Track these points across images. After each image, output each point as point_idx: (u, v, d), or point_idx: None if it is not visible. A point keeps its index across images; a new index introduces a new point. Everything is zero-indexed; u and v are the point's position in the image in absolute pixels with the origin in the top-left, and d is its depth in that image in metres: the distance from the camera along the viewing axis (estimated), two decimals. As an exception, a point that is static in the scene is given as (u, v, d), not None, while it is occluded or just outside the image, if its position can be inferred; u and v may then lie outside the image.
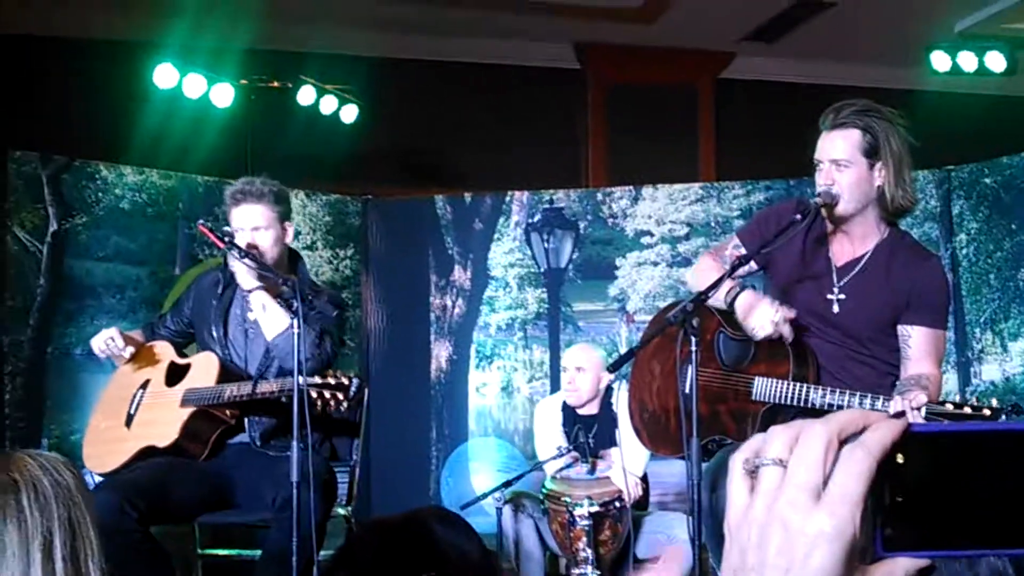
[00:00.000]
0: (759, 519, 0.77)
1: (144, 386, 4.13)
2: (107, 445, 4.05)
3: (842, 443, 0.76)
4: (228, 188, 4.12)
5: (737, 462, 0.81)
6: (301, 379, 3.52)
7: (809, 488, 0.74)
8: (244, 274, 3.90)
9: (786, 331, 3.29)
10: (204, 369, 3.99)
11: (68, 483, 1.70)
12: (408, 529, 1.79)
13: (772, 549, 0.75)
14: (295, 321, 3.54)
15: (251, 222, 3.98)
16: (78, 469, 1.80)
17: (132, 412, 4.10)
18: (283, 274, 3.86)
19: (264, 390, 3.74)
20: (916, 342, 3.34)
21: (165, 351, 4.18)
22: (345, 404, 3.61)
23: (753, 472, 0.79)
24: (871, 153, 3.30)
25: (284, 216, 4.07)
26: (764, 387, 3.37)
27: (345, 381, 3.58)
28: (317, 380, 3.57)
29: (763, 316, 3.28)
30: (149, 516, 3.68)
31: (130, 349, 4.05)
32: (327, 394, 3.56)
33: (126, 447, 3.98)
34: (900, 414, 3.09)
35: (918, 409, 2.96)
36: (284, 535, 3.66)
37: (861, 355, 3.40)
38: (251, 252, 3.87)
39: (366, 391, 3.65)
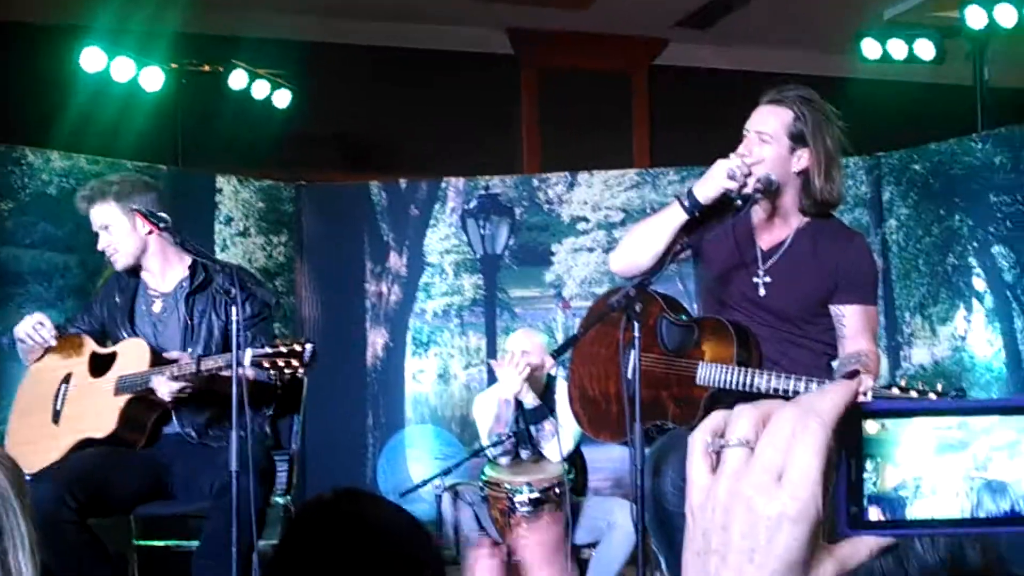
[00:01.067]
0: (723, 501, 0.76)
1: (67, 380, 4.05)
2: (35, 444, 3.96)
3: None
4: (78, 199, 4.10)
5: (697, 442, 0.80)
6: (241, 366, 3.48)
7: (774, 469, 0.74)
8: None
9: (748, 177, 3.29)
10: (134, 355, 3.92)
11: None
12: (342, 509, 1.77)
13: (736, 531, 0.75)
14: (234, 309, 3.48)
15: (97, 222, 4.01)
16: (14, 461, 1.74)
17: (59, 408, 4.02)
18: (216, 260, 3.81)
19: (209, 366, 3.67)
20: (850, 321, 3.39)
21: (84, 342, 4.10)
22: (301, 370, 3.55)
23: (717, 453, 0.79)
24: (796, 138, 3.35)
25: (135, 205, 3.96)
26: (709, 372, 3.38)
27: (297, 348, 3.52)
28: (268, 351, 3.52)
29: (717, 168, 3.31)
30: (88, 508, 3.63)
31: (54, 337, 3.98)
32: (280, 362, 3.51)
33: (59, 443, 3.90)
34: (852, 374, 3.13)
35: (864, 393, 2.99)
36: (222, 523, 3.62)
37: (795, 336, 3.44)
38: (186, 238, 3.80)
39: (314, 353, 3.59)
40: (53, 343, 3.99)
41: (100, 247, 4.04)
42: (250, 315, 3.89)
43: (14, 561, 1.62)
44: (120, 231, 4.00)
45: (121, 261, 4.04)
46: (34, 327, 3.96)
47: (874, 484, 0.76)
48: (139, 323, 4.06)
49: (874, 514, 0.76)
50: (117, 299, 4.10)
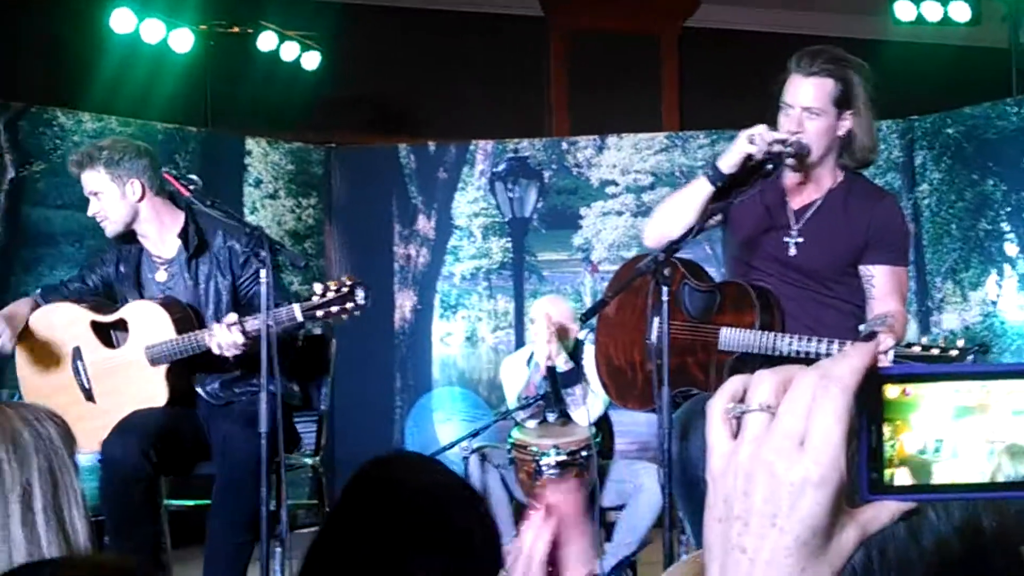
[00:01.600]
0: (744, 466, 0.76)
1: (78, 355, 3.95)
2: (76, 426, 3.91)
3: None
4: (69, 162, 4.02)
5: (716, 407, 0.80)
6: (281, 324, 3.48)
7: (796, 435, 0.74)
8: None
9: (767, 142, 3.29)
10: (151, 322, 3.83)
11: (50, 434, 1.68)
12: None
13: (758, 497, 0.75)
14: (263, 272, 3.47)
15: (88, 188, 3.91)
16: (64, 422, 1.77)
17: (87, 385, 3.93)
18: (248, 224, 3.80)
19: (252, 328, 3.59)
20: (879, 281, 3.39)
21: (73, 314, 3.96)
22: (358, 311, 3.53)
23: (737, 418, 0.79)
24: (841, 103, 3.34)
25: (126, 175, 3.89)
26: (731, 337, 3.38)
27: (345, 289, 3.49)
28: (318, 301, 3.49)
29: (740, 136, 3.31)
30: (163, 466, 3.64)
31: (8, 336, 3.82)
32: (334, 309, 3.48)
33: (106, 420, 3.77)
34: (870, 336, 3.12)
35: (884, 353, 2.98)
36: (224, 481, 3.66)
37: (824, 296, 3.43)
38: (215, 200, 3.79)
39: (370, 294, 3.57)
40: (10, 345, 3.83)
41: (90, 213, 3.94)
42: (255, 272, 3.78)
43: (69, 518, 1.65)
44: (110, 198, 3.88)
45: (111, 228, 3.92)
46: None
47: (894, 449, 0.76)
48: (147, 293, 3.96)
49: (894, 479, 0.76)
50: (122, 268, 3.99)
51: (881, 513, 0.77)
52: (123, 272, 4.00)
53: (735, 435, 0.78)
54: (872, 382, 0.76)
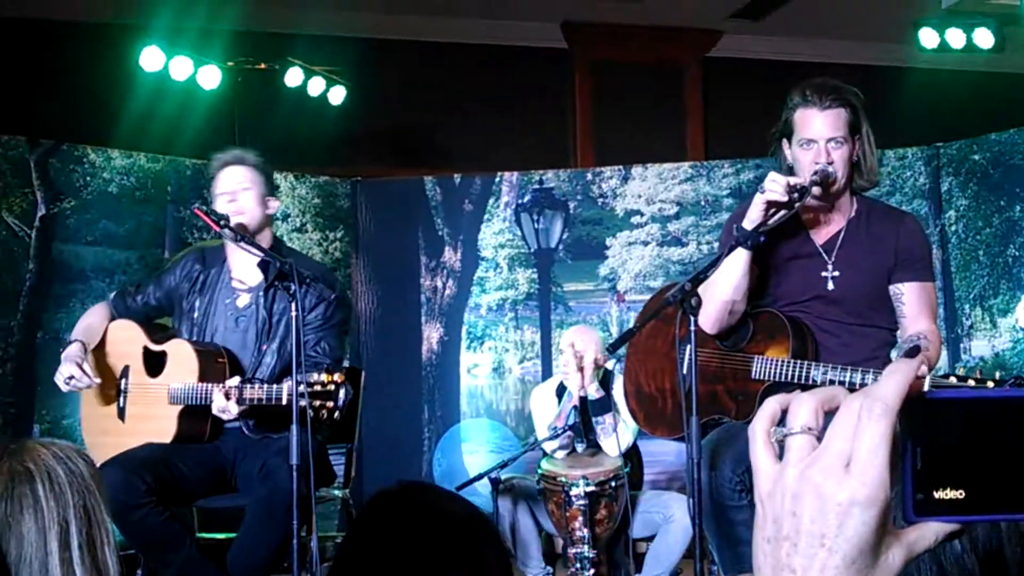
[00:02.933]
0: (792, 487, 0.77)
1: (125, 373, 4.09)
2: (104, 437, 4.03)
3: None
4: (215, 159, 4.13)
5: (758, 430, 0.81)
6: (295, 384, 3.52)
7: (843, 456, 0.75)
8: None
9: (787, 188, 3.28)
10: (182, 363, 3.93)
11: (82, 471, 1.70)
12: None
13: (806, 517, 0.76)
14: (293, 304, 3.52)
15: (234, 182, 4.03)
16: (90, 458, 1.79)
17: (122, 404, 4.08)
18: (279, 256, 3.84)
19: (251, 395, 3.72)
20: (909, 299, 3.43)
21: (133, 334, 4.11)
22: (337, 414, 3.57)
23: (780, 442, 0.80)
24: (853, 129, 3.41)
25: (268, 188, 4.09)
26: (764, 366, 3.38)
27: (331, 387, 3.53)
28: (304, 388, 3.52)
29: (757, 199, 3.30)
30: (160, 489, 3.68)
31: (94, 380, 3.93)
32: (316, 403, 3.53)
33: (124, 441, 3.94)
34: (913, 351, 3.13)
35: (922, 377, 2.98)
36: (257, 513, 3.69)
37: (860, 327, 3.44)
38: (246, 235, 3.84)
39: (349, 395, 3.61)
40: (95, 383, 3.95)
41: (226, 210, 3.96)
42: (322, 316, 3.94)
43: (102, 556, 1.66)
44: (250, 197, 4.03)
45: (244, 219, 3.99)
46: (65, 382, 3.92)
47: (940, 470, 0.77)
48: (218, 314, 4.05)
49: (939, 500, 0.77)
50: (200, 278, 4.09)
51: (927, 534, 0.77)
52: (200, 281, 4.09)
53: (779, 457, 0.80)
54: (917, 404, 0.77)
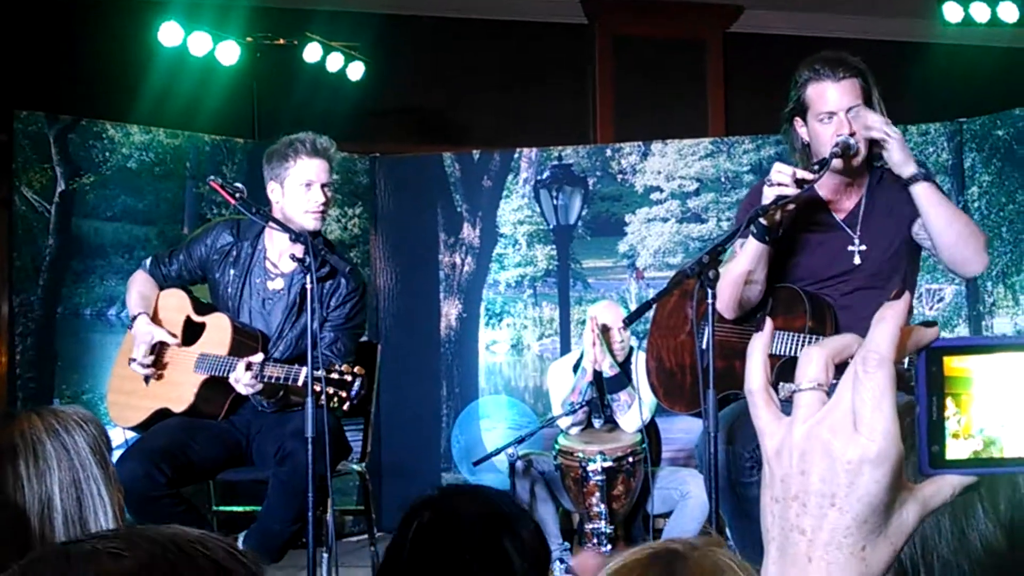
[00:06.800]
0: (799, 445, 0.75)
1: (163, 342, 4.11)
2: (127, 398, 4.07)
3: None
4: (295, 138, 4.08)
5: (754, 389, 0.80)
6: (309, 356, 3.53)
7: (851, 412, 0.73)
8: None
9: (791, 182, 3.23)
10: (218, 335, 3.96)
11: (76, 443, 1.66)
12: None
13: (815, 476, 0.74)
14: (307, 276, 3.52)
15: (324, 177, 4.04)
16: (98, 425, 1.76)
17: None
18: (295, 231, 3.83)
19: (271, 374, 3.73)
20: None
21: (182, 304, 4.15)
22: (348, 404, 3.58)
23: (788, 399, 0.78)
24: (867, 99, 3.35)
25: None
26: (780, 340, 3.36)
27: (348, 377, 3.54)
28: (320, 374, 3.53)
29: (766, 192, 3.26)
30: (177, 478, 3.70)
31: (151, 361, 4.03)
32: (330, 390, 3.53)
33: (143, 404, 4.00)
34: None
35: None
36: (277, 497, 3.71)
37: (885, 295, 3.40)
38: (262, 208, 3.84)
39: (363, 391, 3.61)
40: (151, 366, 4.04)
41: (317, 203, 3.99)
42: (344, 316, 3.95)
43: (96, 527, 1.64)
44: (329, 193, 4.05)
45: (322, 223, 4.04)
46: (141, 366, 4.01)
47: (960, 423, 0.75)
48: (248, 293, 4.06)
49: (955, 452, 0.75)
50: (232, 250, 4.09)
51: (943, 488, 0.75)
52: (232, 255, 4.09)
53: (780, 415, 0.78)
54: (932, 355, 0.75)
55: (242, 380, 3.72)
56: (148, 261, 4.28)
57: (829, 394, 0.76)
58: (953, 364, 0.75)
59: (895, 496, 0.73)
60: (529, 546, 1.83)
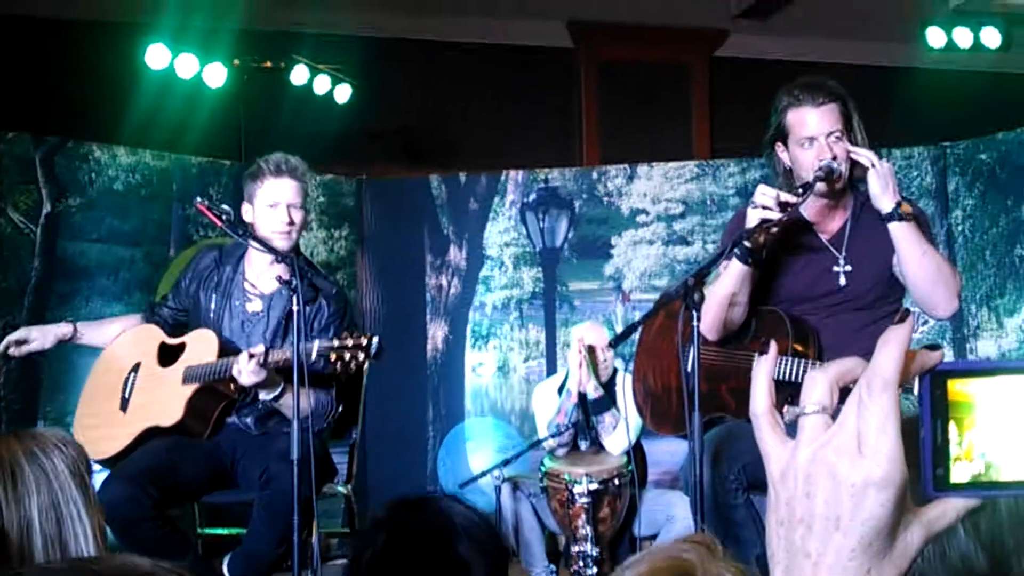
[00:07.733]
0: (804, 468, 0.75)
1: (135, 369, 4.08)
2: (102, 430, 4.01)
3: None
4: (262, 160, 4.03)
5: (759, 412, 0.80)
6: (303, 346, 3.51)
7: (855, 435, 0.73)
8: None
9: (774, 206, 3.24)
10: (203, 346, 3.93)
11: (55, 467, 1.65)
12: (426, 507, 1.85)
13: (820, 499, 0.74)
14: (295, 298, 3.51)
15: (290, 197, 3.94)
16: (78, 448, 1.75)
17: (127, 396, 4.06)
18: (279, 252, 3.83)
19: (276, 358, 3.68)
20: None
21: (152, 333, 4.12)
22: (366, 363, 3.57)
23: (793, 423, 0.78)
24: (847, 124, 3.37)
25: (305, 201, 4.05)
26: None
27: (363, 340, 3.53)
28: (334, 343, 3.52)
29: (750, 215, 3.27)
30: (163, 501, 3.67)
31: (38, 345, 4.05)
32: (347, 355, 3.51)
33: (126, 431, 3.94)
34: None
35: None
36: (261, 520, 3.69)
37: (868, 321, 3.41)
38: (249, 230, 3.84)
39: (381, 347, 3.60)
40: (47, 343, 4.06)
41: (282, 224, 3.91)
42: (328, 338, 3.91)
43: (76, 551, 1.62)
44: (299, 216, 3.96)
45: (291, 243, 3.94)
46: (10, 352, 4.04)
47: (958, 445, 0.75)
48: (230, 316, 4.02)
49: (959, 475, 0.75)
50: (213, 275, 4.06)
51: (947, 511, 0.76)
52: (215, 280, 4.05)
53: (785, 438, 0.78)
54: (935, 378, 0.75)
55: (246, 368, 3.66)
56: (141, 315, 4.28)
57: (834, 418, 0.77)
58: (956, 387, 0.75)
59: (900, 519, 0.73)
60: (484, 548, 1.83)
